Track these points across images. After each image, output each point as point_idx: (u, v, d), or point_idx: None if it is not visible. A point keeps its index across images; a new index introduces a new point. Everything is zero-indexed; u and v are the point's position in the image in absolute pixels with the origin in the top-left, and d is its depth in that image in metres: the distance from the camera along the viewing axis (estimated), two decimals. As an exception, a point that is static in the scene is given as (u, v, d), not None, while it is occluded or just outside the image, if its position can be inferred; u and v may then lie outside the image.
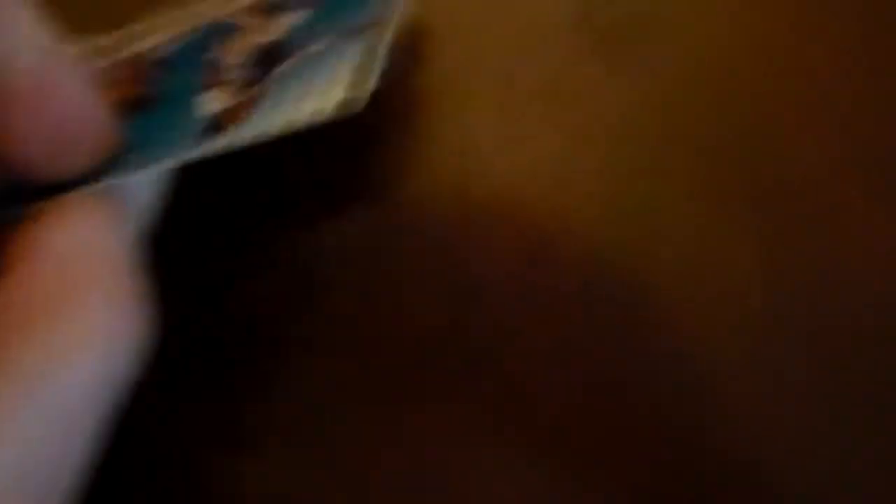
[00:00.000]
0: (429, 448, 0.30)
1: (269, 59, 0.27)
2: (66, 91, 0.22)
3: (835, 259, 0.33)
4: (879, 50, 0.36)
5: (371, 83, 0.26)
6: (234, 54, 0.28)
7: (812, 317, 0.32)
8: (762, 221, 0.33)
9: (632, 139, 0.35)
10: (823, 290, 0.32)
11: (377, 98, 0.26)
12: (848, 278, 0.32)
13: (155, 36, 0.30)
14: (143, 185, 0.25)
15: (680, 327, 0.32)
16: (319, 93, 0.26)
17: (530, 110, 0.35)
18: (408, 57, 0.33)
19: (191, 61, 0.29)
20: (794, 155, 0.35)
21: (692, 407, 0.31)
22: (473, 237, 0.33)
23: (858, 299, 0.32)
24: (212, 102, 0.27)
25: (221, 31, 0.29)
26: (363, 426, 0.30)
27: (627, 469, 0.29)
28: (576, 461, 0.30)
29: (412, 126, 0.35)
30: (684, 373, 0.31)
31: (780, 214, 0.34)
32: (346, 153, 0.34)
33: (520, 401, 0.31)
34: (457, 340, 0.31)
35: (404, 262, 0.32)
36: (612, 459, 0.30)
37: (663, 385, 0.31)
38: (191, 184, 0.27)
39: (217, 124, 0.26)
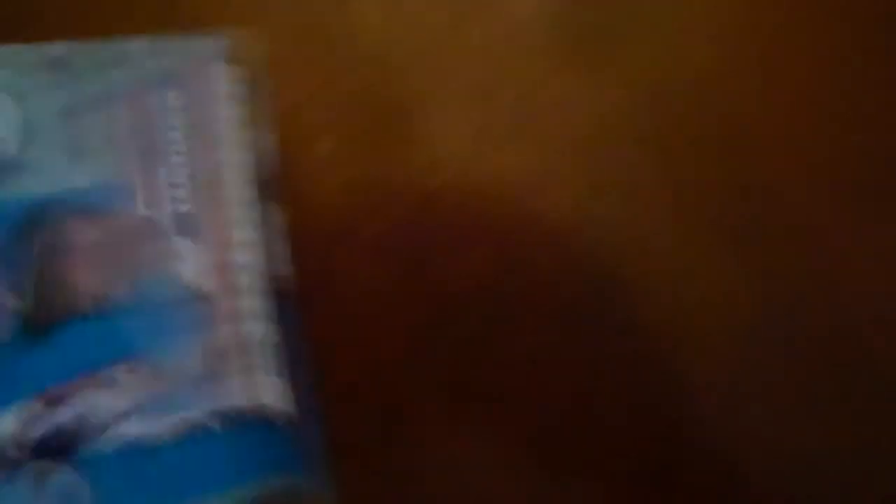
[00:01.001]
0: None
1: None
2: None
3: (809, 265, 0.33)
4: (857, 56, 0.36)
5: None
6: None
7: (793, 317, 0.32)
8: (738, 224, 0.34)
9: (605, 145, 0.35)
10: (803, 291, 0.32)
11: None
12: (823, 281, 0.32)
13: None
14: None
15: (654, 329, 0.32)
16: None
17: (505, 118, 0.35)
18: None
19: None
20: (768, 158, 0.35)
21: (672, 406, 0.31)
22: (450, 248, 0.33)
23: (834, 300, 0.32)
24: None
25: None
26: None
27: (611, 466, 0.30)
28: (558, 460, 0.30)
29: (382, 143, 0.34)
30: (666, 374, 0.31)
31: (755, 218, 0.34)
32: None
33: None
34: (436, 343, 0.32)
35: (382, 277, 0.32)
36: (595, 457, 0.30)
37: (643, 385, 0.31)
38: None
39: None
